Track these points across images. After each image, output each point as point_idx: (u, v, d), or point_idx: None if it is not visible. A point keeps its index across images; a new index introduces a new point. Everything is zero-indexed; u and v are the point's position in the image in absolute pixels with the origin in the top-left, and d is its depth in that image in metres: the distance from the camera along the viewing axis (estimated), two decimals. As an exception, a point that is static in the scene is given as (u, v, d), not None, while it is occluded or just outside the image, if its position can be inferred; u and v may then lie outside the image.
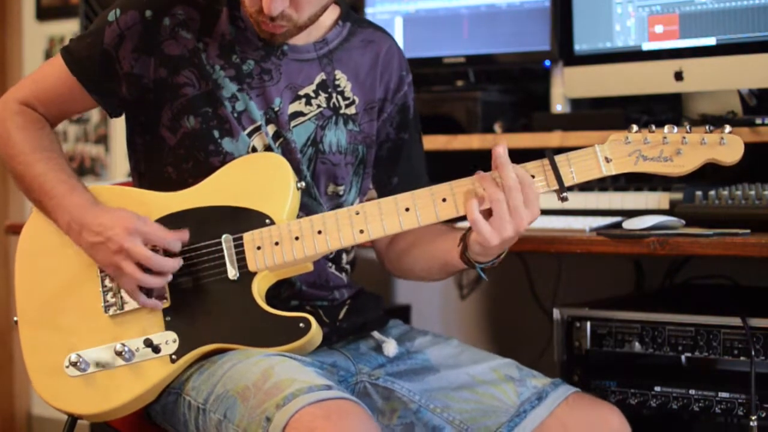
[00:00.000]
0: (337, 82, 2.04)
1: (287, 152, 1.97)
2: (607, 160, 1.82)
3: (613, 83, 2.54)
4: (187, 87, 1.95)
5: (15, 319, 1.98)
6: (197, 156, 1.95)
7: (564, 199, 1.82)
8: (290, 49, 2.00)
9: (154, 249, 1.87)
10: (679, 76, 2.43)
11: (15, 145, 1.98)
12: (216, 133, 1.95)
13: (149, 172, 2.02)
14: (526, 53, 2.70)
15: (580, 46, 2.56)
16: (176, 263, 1.87)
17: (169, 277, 1.87)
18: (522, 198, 1.78)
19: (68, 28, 4.00)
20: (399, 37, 2.83)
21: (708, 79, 2.41)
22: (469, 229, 1.87)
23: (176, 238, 1.87)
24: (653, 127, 1.82)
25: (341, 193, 2.04)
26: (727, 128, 1.80)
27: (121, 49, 1.94)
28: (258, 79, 1.97)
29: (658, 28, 2.46)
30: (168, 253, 1.88)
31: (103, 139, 4.02)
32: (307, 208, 1.96)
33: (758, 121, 2.23)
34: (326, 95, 2.03)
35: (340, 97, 2.04)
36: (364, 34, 2.10)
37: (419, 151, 2.17)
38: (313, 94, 2.01)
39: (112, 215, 1.88)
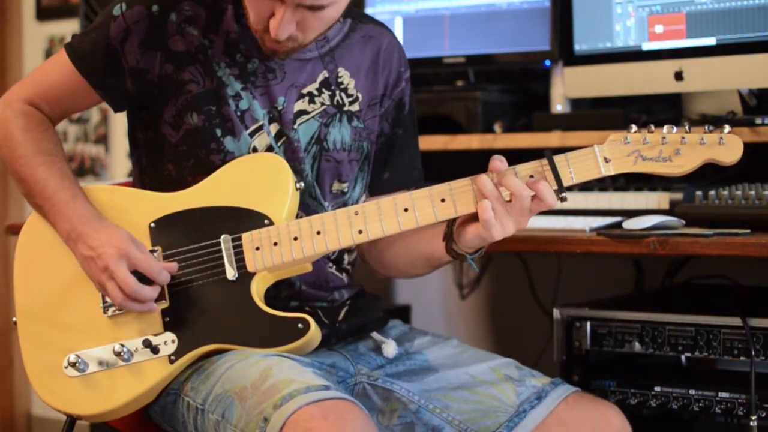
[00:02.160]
0: (339, 80, 2.04)
1: (291, 151, 1.97)
2: (606, 161, 1.82)
3: (613, 83, 2.54)
4: (192, 84, 1.95)
5: (14, 319, 1.98)
6: (198, 154, 1.95)
7: (563, 200, 1.82)
8: (293, 49, 2.00)
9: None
10: (679, 76, 2.42)
11: (17, 148, 1.97)
12: (218, 132, 1.95)
13: (150, 167, 2.02)
14: (526, 53, 2.70)
15: (580, 46, 2.56)
16: (154, 293, 1.87)
17: (151, 304, 1.87)
18: (530, 203, 1.80)
19: (68, 28, 4.00)
20: (399, 37, 2.82)
21: (708, 79, 2.41)
22: (453, 222, 1.87)
23: (164, 268, 1.87)
24: (652, 127, 1.82)
25: (346, 190, 2.04)
26: (726, 128, 1.79)
27: (127, 44, 1.94)
28: (262, 77, 1.97)
29: (658, 28, 2.45)
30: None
31: (103, 139, 4.02)
32: (308, 209, 1.96)
33: (758, 121, 2.23)
34: (329, 93, 2.03)
35: (343, 95, 2.04)
36: (364, 29, 2.10)
37: (413, 147, 2.17)
38: (316, 92, 2.01)
39: (110, 233, 1.87)
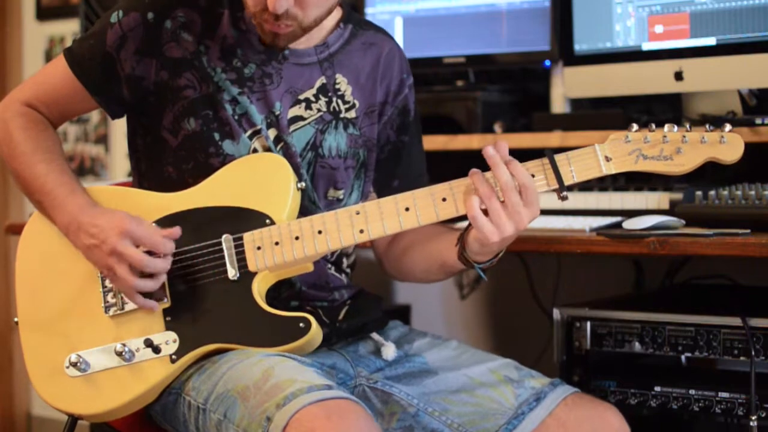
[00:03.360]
0: (337, 86, 2.04)
1: (287, 156, 1.97)
2: (607, 159, 1.82)
3: (613, 83, 2.54)
4: (188, 89, 1.95)
5: (15, 320, 1.99)
6: (198, 157, 1.95)
7: (564, 198, 1.82)
8: (291, 54, 2.00)
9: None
10: (679, 76, 2.43)
11: (17, 146, 1.98)
12: (217, 136, 1.95)
13: (150, 172, 2.02)
14: (526, 53, 2.70)
15: (580, 46, 2.56)
16: (167, 263, 1.86)
17: (163, 278, 1.87)
18: (519, 197, 1.78)
19: (68, 28, 4.00)
20: (399, 37, 2.83)
21: (708, 79, 2.41)
22: (467, 228, 1.87)
23: (166, 236, 1.86)
24: (653, 126, 1.82)
25: (341, 197, 2.03)
26: (728, 127, 1.80)
27: (122, 51, 1.94)
28: (259, 82, 1.97)
29: (658, 28, 2.46)
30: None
31: (103, 139, 4.02)
32: (305, 212, 1.96)
33: (758, 121, 2.23)
34: (326, 99, 2.02)
35: (340, 101, 2.04)
36: (365, 36, 2.09)
37: (420, 153, 2.17)
38: (313, 99, 2.01)
39: (108, 217, 1.87)
